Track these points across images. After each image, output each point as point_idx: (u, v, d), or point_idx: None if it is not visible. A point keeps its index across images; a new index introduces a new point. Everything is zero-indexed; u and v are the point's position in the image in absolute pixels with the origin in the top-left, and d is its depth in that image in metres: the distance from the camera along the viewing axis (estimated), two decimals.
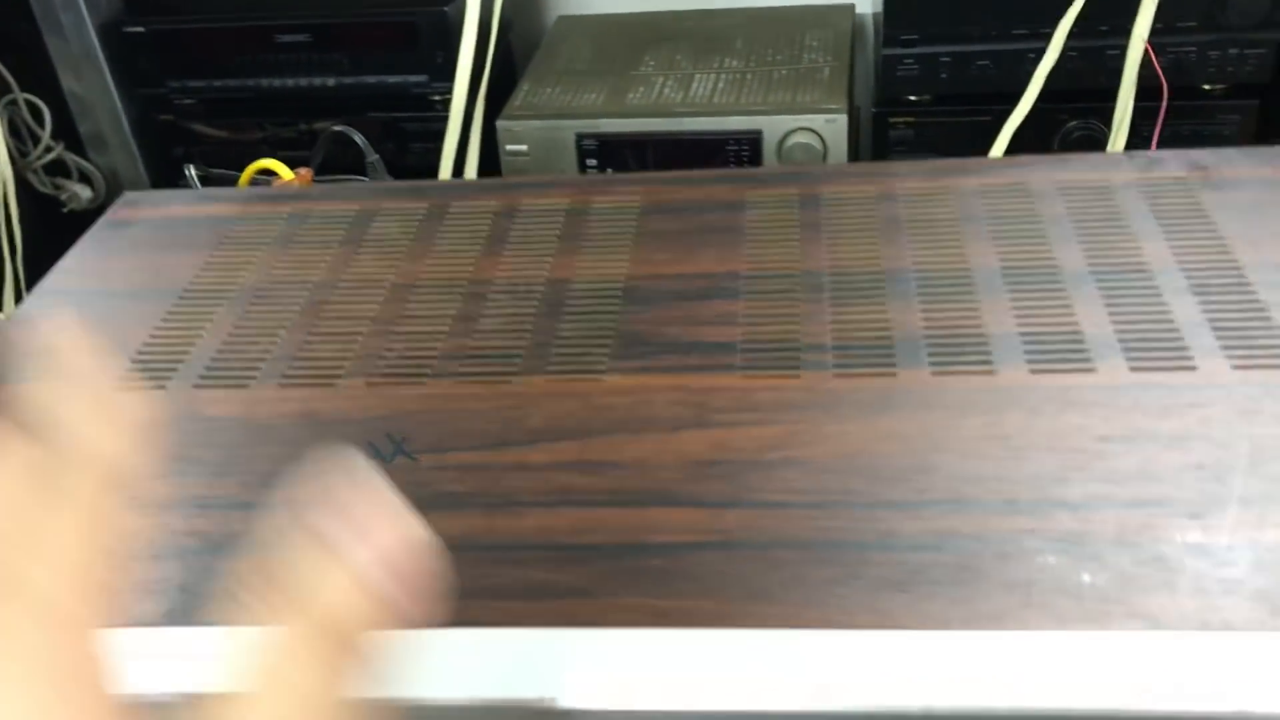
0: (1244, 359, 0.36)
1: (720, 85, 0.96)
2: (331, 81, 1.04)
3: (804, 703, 0.27)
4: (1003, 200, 0.45)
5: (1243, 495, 0.31)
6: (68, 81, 1.01)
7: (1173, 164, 0.46)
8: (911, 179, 0.47)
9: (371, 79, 1.03)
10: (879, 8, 0.94)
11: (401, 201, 0.49)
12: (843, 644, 0.28)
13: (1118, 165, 0.47)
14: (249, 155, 0.96)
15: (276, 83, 1.05)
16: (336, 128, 0.77)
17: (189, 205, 0.52)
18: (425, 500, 0.33)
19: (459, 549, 0.32)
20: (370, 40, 1.03)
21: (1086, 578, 0.29)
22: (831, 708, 0.27)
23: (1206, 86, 0.82)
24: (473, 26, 0.90)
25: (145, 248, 0.48)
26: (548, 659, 0.28)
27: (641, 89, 0.95)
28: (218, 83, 1.07)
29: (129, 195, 0.52)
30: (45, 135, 0.96)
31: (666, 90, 0.96)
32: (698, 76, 0.98)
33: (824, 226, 0.45)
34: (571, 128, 0.93)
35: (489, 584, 0.31)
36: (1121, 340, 0.37)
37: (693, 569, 0.31)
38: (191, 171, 0.86)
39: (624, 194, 0.48)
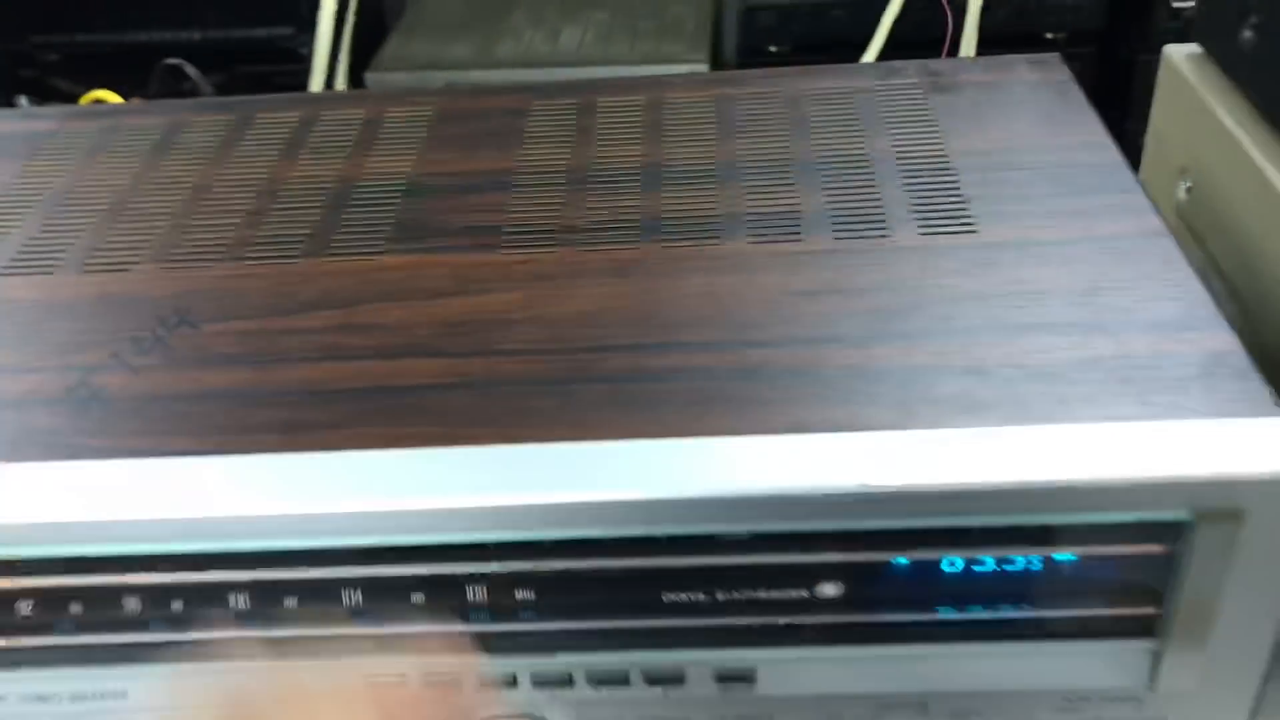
0: (931, 228, 0.41)
1: (587, 37, 1.00)
2: (198, 35, 1.06)
3: (516, 500, 0.32)
4: (757, 105, 0.50)
5: (903, 331, 0.36)
6: None
7: (909, 72, 0.52)
8: (682, 89, 0.52)
9: (238, 32, 1.04)
10: None
11: (210, 115, 0.53)
12: (550, 454, 0.33)
13: (863, 74, 0.52)
14: None
15: (142, 36, 1.06)
16: (170, 60, 0.79)
17: (10, 122, 0.54)
18: (202, 361, 0.38)
19: (226, 398, 0.36)
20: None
21: (760, 395, 0.34)
22: (541, 504, 0.32)
23: (1050, 35, 0.89)
24: (325, 38, 0.92)
25: None
26: (293, 478, 0.33)
27: (510, 41, 0.98)
28: (80, 37, 1.07)
29: None
30: None
31: (536, 43, 1.00)
32: (565, 29, 1.02)
33: (594, 131, 0.49)
34: (440, 79, 0.96)
35: (250, 423, 0.35)
36: (831, 217, 0.42)
37: (433, 405, 0.35)
38: (24, 101, 0.87)
39: (419, 105, 0.52)
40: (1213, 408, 0.33)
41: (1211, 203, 0.51)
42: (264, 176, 0.48)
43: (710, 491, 0.32)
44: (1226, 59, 0.51)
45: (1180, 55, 0.55)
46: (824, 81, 0.52)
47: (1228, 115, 0.49)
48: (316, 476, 0.33)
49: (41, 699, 0.36)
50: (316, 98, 0.55)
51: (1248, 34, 0.48)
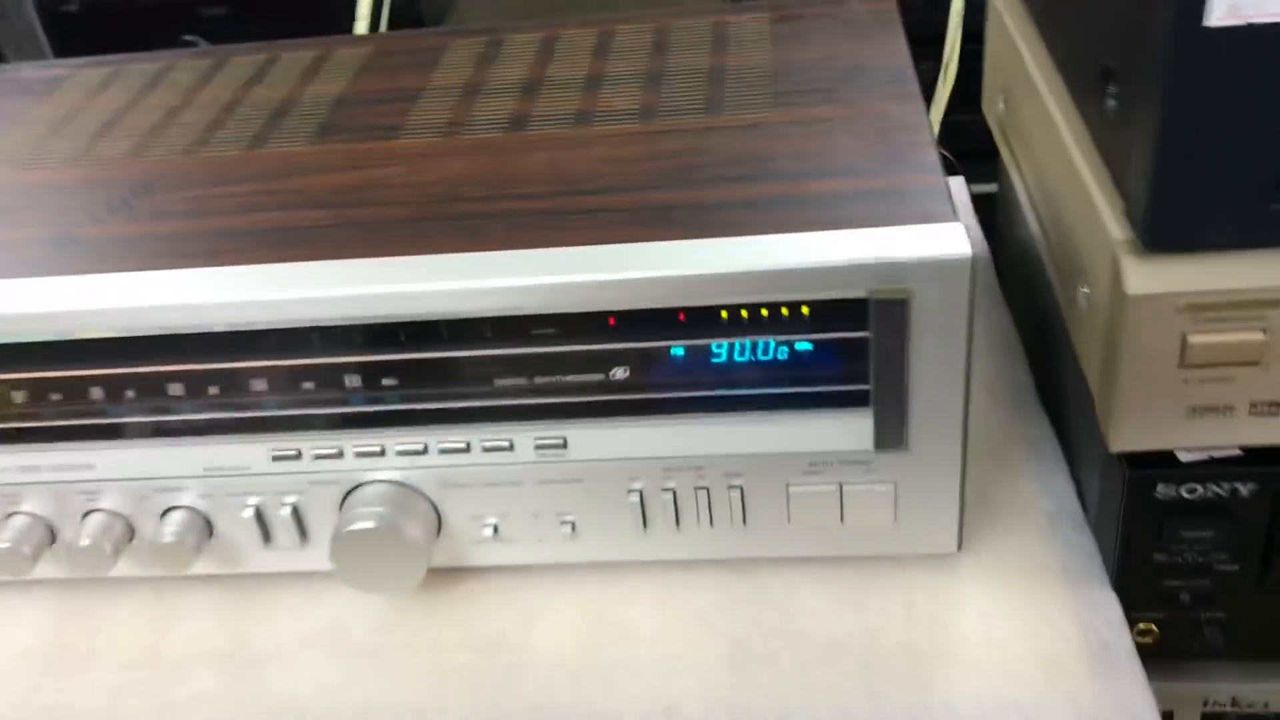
0: (743, 111, 0.51)
1: None
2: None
3: (378, 293, 0.42)
4: (634, 42, 0.61)
5: (702, 179, 0.46)
6: (12, 57, 1.14)
7: (761, 7, 0.62)
8: (575, 28, 0.63)
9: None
10: None
11: (194, 60, 0.65)
12: (401, 264, 0.43)
13: (721, 10, 0.62)
14: None
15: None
16: (187, 37, 0.92)
17: (38, 70, 0.67)
18: (156, 216, 0.49)
19: (171, 238, 0.47)
20: (285, 10, 1.18)
21: (566, 224, 0.44)
22: (392, 295, 0.42)
23: None
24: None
25: None
26: (212, 285, 0.44)
27: None
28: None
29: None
30: None
31: None
32: None
33: (498, 59, 0.60)
34: None
35: (186, 251, 0.46)
36: (669, 109, 0.53)
37: (319, 239, 0.46)
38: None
39: (366, 45, 0.64)
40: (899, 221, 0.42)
41: (1017, 116, 0.60)
42: (224, 100, 0.59)
43: (521, 284, 0.42)
44: None
45: None
46: (695, 22, 0.62)
47: (1024, 45, 0.58)
48: (229, 283, 0.44)
49: (29, 469, 0.48)
50: (282, 45, 0.66)
51: None
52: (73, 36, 1.19)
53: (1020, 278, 0.62)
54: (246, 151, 0.54)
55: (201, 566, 0.49)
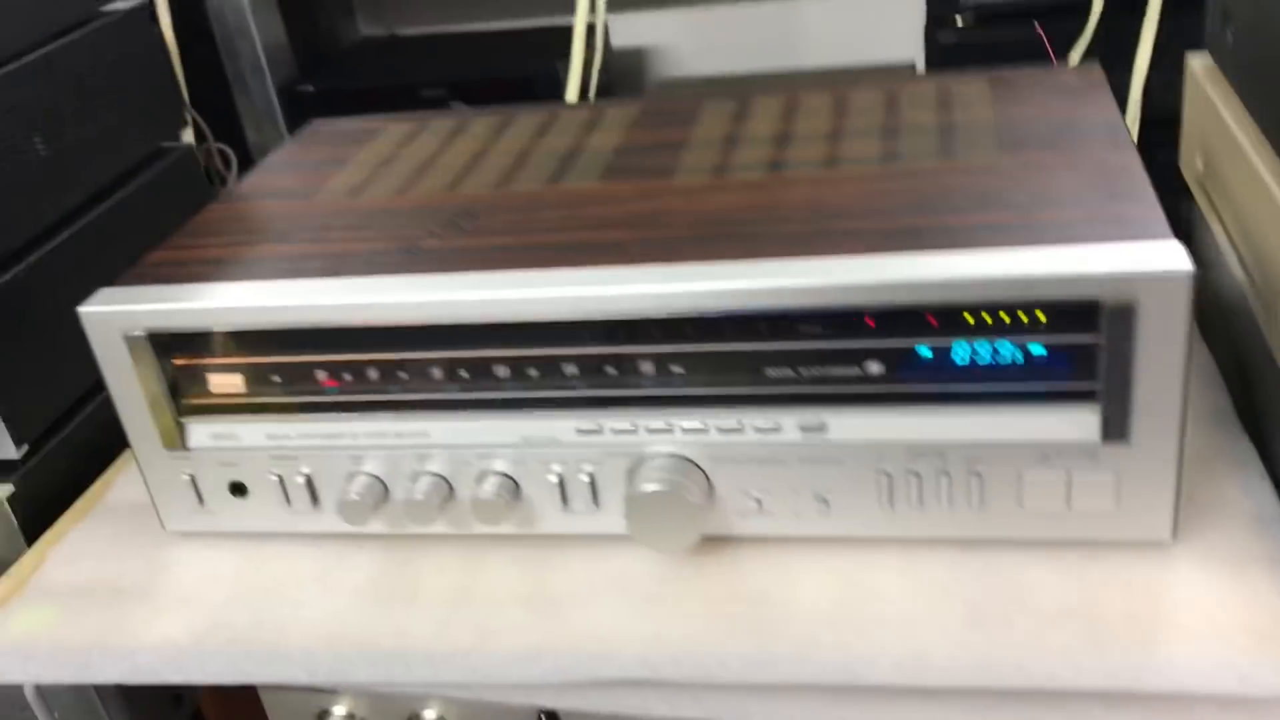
0: (971, 156, 0.60)
1: None
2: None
3: (674, 292, 0.52)
4: (868, 103, 0.70)
5: (951, 207, 0.54)
6: (250, 133, 1.30)
7: (980, 78, 0.70)
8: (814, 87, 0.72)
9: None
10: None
11: (486, 118, 0.76)
12: (696, 270, 0.52)
13: (942, 76, 0.71)
14: None
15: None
16: (451, 102, 1.05)
17: (352, 123, 0.80)
18: (484, 233, 0.59)
19: (500, 249, 0.57)
20: (496, 93, 1.32)
21: (835, 246, 0.53)
22: (690, 292, 0.51)
23: None
24: (575, 85, 1.16)
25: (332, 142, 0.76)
26: (540, 281, 0.53)
27: None
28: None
29: (320, 120, 0.80)
30: (231, 178, 1.18)
31: None
32: None
33: (748, 115, 0.70)
34: None
35: (515, 260, 0.56)
36: (910, 153, 0.61)
37: (620, 249, 0.55)
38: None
39: (630, 105, 0.74)
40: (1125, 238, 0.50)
41: (1218, 173, 0.67)
42: (518, 149, 0.71)
43: (793, 285, 0.51)
44: (1221, 60, 0.67)
45: (1195, 59, 0.71)
46: (918, 86, 0.71)
47: (1226, 111, 0.65)
48: (550, 282, 0.54)
49: (376, 435, 0.58)
50: (562, 108, 0.78)
51: (1230, 37, 0.64)
52: (307, 114, 1.35)
53: (1219, 315, 0.68)
54: (546, 186, 0.65)
55: (506, 526, 0.59)
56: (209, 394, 0.60)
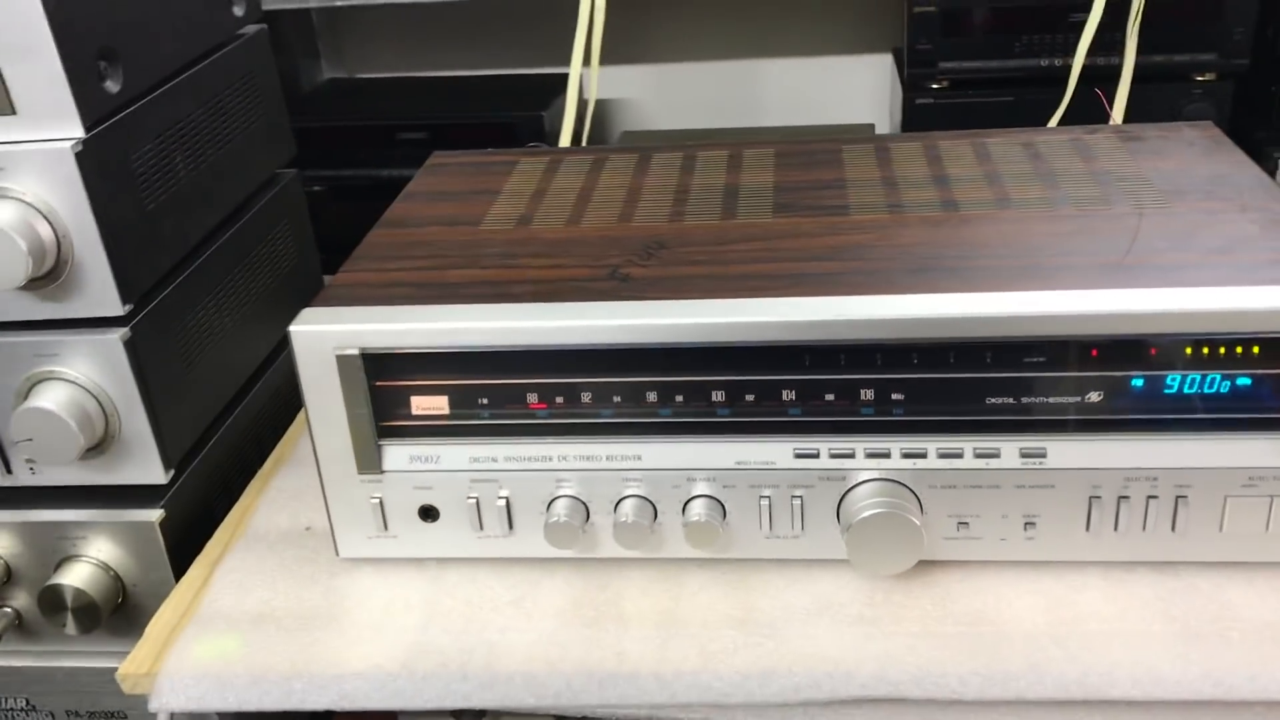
0: (1139, 205, 0.63)
1: None
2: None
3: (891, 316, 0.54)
4: (1009, 151, 0.73)
5: (1128, 252, 0.58)
6: None
7: (1106, 131, 0.74)
8: (946, 139, 0.76)
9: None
10: (897, 129, 1.25)
11: (623, 154, 0.78)
12: (899, 301, 0.54)
13: (1070, 131, 0.75)
14: (366, 231, 1.27)
15: (395, 173, 1.35)
16: (532, 144, 1.06)
17: (482, 156, 0.80)
18: (679, 262, 0.62)
19: (695, 278, 0.59)
20: (477, 138, 1.33)
21: (1041, 280, 0.56)
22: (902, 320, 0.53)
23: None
24: (568, 131, 1.18)
25: (465, 173, 0.77)
26: (739, 311, 0.55)
27: None
28: (345, 172, 1.37)
29: (439, 153, 0.81)
30: None
31: None
32: None
33: (893, 155, 0.73)
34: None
35: (712, 289, 0.57)
36: (1071, 198, 0.65)
37: (819, 280, 0.57)
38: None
39: (767, 145, 0.77)
40: None
41: None
42: (673, 184, 0.72)
43: (1015, 313, 0.53)
44: None
45: None
46: (1051, 136, 0.75)
47: None
48: (772, 309, 0.55)
49: (587, 459, 0.58)
50: (698, 143, 0.80)
51: None
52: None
53: None
54: (722, 220, 0.66)
55: (710, 549, 0.59)
56: (410, 416, 0.59)
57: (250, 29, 0.79)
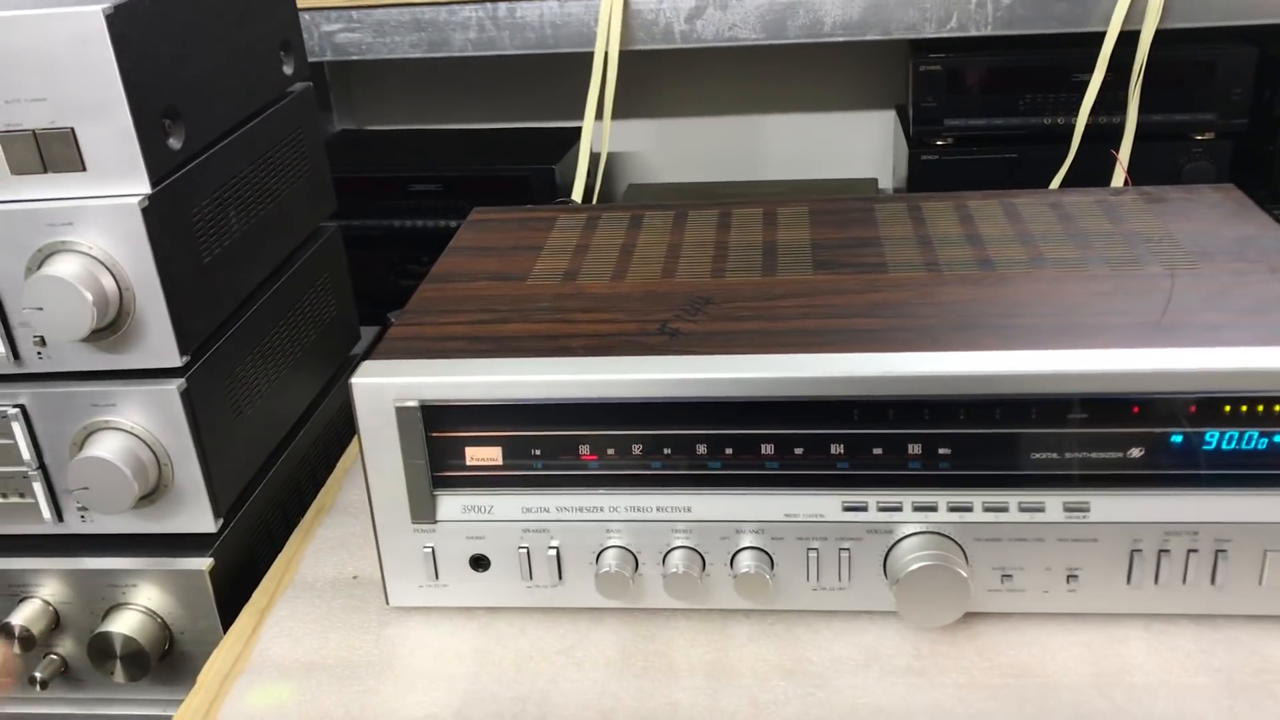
0: (1171, 267, 0.65)
1: None
2: (455, 224, 1.36)
3: (935, 373, 0.55)
4: (1038, 211, 0.75)
5: (1164, 316, 0.60)
6: None
7: (1130, 194, 0.77)
8: (976, 199, 0.78)
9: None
10: (900, 183, 1.28)
11: (657, 212, 0.80)
12: (946, 357, 0.56)
13: (1094, 193, 0.77)
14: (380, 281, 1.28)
15: (408, 223, 1.38)
16: (560, 200, 1.08)
17: (524, 212, 0.82)
18: (728, 318, 0.64)
19: (746, 334, 0.60)
20: (489, 190, 1.36)
21: (1080, 339, 0.57)
22: (945, 376, 0.55)
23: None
24: (581, 185, 1.21)
25: (509, 227, 0.79)
26: (766, 367, 0.56)
27: None
28: (356, 222, 1.39)
29: (479, 209, 0.83)
30: None
31: None
32: None
33: (924, 216, 0.75)
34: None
35: (760, 344, 0.59)
36: (1104, 258, 0.67)
37: (862, 337, 0.59)
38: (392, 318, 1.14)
39: (800, 205, 0.79)
40: None
41: None
42: (709, 240, 0.74)
43: (1058, 371, 0.55)
44: None
45: None
46: (1077, 197, 0.77)
47: None
48: (822, 365, 0.57)
49: (637, 509, 0.60)
50: (730, 203, 0.82)
51: None
52: None
53: None
54: (764, 276, 0.68)
55: (757, 601, 0.60)
56: (465, 467, 0.60)
57: (298, 87, 0.81)
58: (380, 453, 0.60)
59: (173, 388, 0.64)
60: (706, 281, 0.68)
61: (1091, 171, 1.16)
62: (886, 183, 1.45)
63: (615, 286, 0.69)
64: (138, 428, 0.65)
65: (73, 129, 0.60)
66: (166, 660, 0.69)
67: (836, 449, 0.58)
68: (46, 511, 0.67)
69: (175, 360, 0.64)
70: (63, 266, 0.61)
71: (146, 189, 0.61)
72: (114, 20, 0.58)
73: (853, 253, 0.71)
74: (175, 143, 0.64)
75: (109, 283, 0.62)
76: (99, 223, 0.61)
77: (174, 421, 0.65)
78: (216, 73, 0.70)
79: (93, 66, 0.58)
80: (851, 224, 0.76)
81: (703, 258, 0.72)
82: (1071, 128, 1.14)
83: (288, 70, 0.80)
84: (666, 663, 0.60)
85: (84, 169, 0.61)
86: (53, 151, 0.60)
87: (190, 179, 0.66)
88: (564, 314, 0.65)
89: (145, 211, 0.61)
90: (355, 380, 0.59)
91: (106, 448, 0.64)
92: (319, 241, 0.85)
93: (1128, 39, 1.10)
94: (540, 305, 0.67)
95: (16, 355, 0.65)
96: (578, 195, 1.23)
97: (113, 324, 0.63)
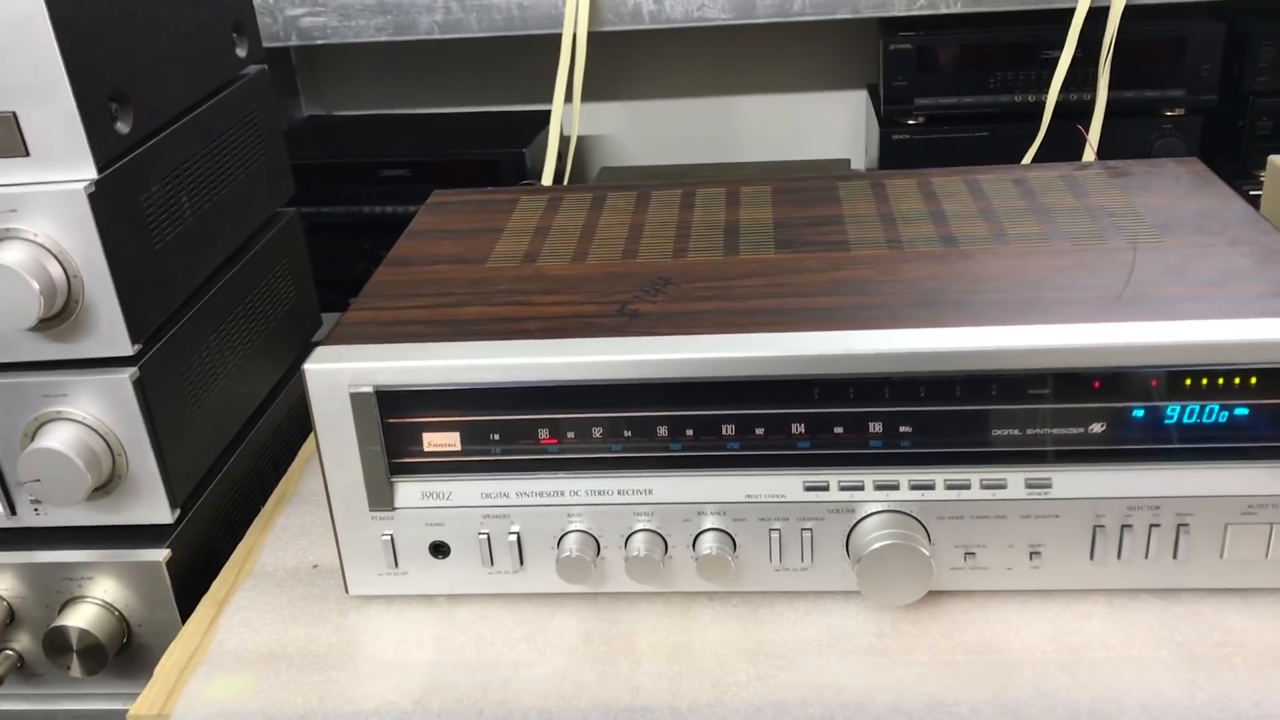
0: (1130, 238, 0.65)
1: None
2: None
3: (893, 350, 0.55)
4: (1002, 187, 0.75)
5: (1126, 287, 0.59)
6: None
7: (1095, 168, 0.76)
8: (940, 177, 0.77)
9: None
10: (873, 163, 1.27)
11: (621, 192, 0.79)
12: (900, 335, 0.56)
13: (1059, 168, 0.77)
14: (350, 268, 1.26)
15: (378, 209, 1.37)
16: (526, 182, 1.07)
17: (486, 194, 0.81)
18: (687, 298, 0.63)
19: (705, 313, 0.60)
20: (459, 175, 1.35)
21: (1037, 314, 0.57)
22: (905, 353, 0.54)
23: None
24: (550, 168, 1.20)
25: (468, 210, 0.78)
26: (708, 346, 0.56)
27: None
28: (325, 208, 1.38)
29: (439, 192, 0.82)
30: None
31: None
32: None
33: (889, 194, 0.74)
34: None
35: (717, 324, 0.58)
36: (1067, 234, 0.66)
37: (819, 316, 0.58)
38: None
39: (763, 183, 0.78)
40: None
41: None
42: (671, 220, 0.73)
43: (1019, 347, 0.54)
44: None
45: (1276, 159, 0.79)
46: (1041, 172, 0.77)
47: None
48: (788, 344, 0.56)
49: (598, 493, 0.59)
50: (696, 181, 0.81)
51: None
52: None
53: None
54: (726, 256, 0.67)
55: (720, 583, 0.60)
56: (422, 453, 0.59)
57: (252, 69, 0.80)
58: (336, 440, 0.59)
59: (125, 376, 0.63)
60: (667, 262, 0.68)
61: (1062, 149, 1.16)
62: (859, 163, 1.45)
63: (575, 268, 0.68)
64: (90, 418, 0.64)
65: (14, 113, 0.58)
66: (124, 653, 0.68)
67: (797, 428, 0.58)
68: None
69: (127, 349, 0.63)
70: (8, 255, 0.59)
71: (93, 174, 0.60)
72: (54, 0, 0.57)
73: (815, 231, 0.71)
74: (123, 126, 0.63)
75: (56, 270, 0.60)
76: (44, 209, 0.60)
77: (127, 411, 0.64)
78: (166, 55, 0.69)
79: (33, 48, 0.57)
80: (814, 203, 0.76)
81: (664, 238, 0.71)
82: (1042, 105, 1.14)
83: (241, 53, 0.79)
84: (629, 646, 0.59)
85: (27, 154, 0.59)
86: None
87: (139, 164, 0.64)
88: (523, 296, 0.64)
89: (92, 197, 0.60)
90: (308, 366, 0.58)
91: (58, 439, 0.63)
92: (276, 227, 0.83)
93: (1097, 15, 1.09)
94: (499, 288, 0.66)
95: None
96: (548, 179, 1.22)
97: (61, 313, 0.62)
